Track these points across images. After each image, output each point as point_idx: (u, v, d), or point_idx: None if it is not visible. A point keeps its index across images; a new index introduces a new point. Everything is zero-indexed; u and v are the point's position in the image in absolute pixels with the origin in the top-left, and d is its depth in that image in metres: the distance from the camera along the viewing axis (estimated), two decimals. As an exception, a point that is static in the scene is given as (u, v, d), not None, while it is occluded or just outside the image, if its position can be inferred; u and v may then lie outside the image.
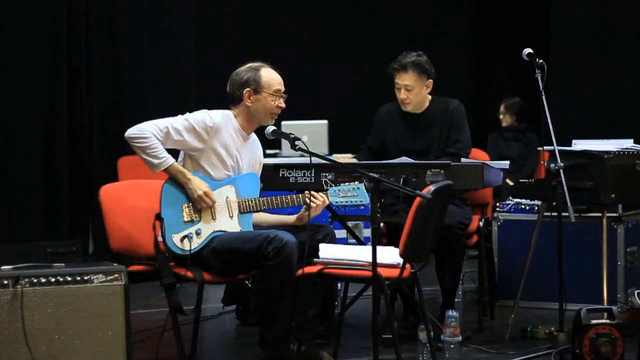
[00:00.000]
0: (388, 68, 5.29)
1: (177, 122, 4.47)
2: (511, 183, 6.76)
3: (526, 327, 5.20)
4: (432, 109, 5.35)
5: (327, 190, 4.57)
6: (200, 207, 4.44)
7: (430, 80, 5.29)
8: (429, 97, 5.37)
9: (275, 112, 4.61)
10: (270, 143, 5.51)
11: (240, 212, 4.52)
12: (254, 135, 4.73)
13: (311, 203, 4.47)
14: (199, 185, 4.44)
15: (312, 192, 4.51)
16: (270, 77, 4.60)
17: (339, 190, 4.55)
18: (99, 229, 7.76)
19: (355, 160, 5.41)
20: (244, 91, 4.57)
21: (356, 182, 4.55)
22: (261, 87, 4.57)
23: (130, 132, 4.42)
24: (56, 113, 8.12)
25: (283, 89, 4.62)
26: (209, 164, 4.53)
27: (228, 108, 4.65)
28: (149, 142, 4.39)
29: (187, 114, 4.53)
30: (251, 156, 4.69)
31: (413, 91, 5.26)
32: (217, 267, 4.42)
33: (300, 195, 4.55)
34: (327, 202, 4.54)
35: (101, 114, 8.30)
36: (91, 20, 8.24)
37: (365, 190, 4.49)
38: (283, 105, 4.62)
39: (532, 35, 8.18)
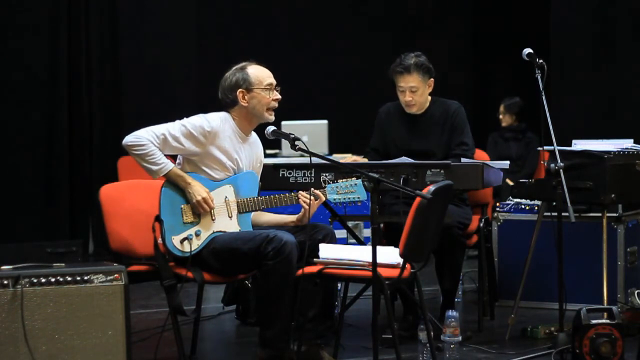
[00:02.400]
0: (389, 71, 5.26)
1: (174, 128, 4.44)
2: (511, 183, 6.76)
3: (526, 327, 5.19)
4: (433, 110, 5.34)
5: (324, 187, 4.57)
6: (199, 212, 4.44)
7: (432, 80, 5.29)
8: (429, 97, 5.36)
9: (273, 106, 4.59)
10: (270, 143, 5.50)
11: (239, 212, 4.52)
12: (254, 135, 4.72)
13: (303, 203, 4.47)
14: (198, 190, 4.42)
15: (301, 192, 4.51)
16: (259, 73, 4.58)
17: (337, 187, 4.55)
18: (99, 229, 7.76)
19: (362, 160, 5.39)
20: (237, 92, 4.54)
21: (353, 179, 4.56)
22: (252, 85, 4.54)
23: (128, 139, 4.41)
24: (56, 113, 8.12)
25: (274, 81, 4.59)
26: (208, 168, 4.51)
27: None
28: (147, 149, 4.39)
29: (185, 119, 4.49)
30: (251, 156, 4.68)
31: (418, 92, 5.24)
32: (217, 267, 4.41)
33: (299, 193, 4.55)
34: (324, 199, 4.54)
35: (101, 114, 8.30)
36: (91, 20, 8.24)
37: (362, 186, 4.50)
38: (278, 97, 4.60)
39: (532, 35, 8.18)
